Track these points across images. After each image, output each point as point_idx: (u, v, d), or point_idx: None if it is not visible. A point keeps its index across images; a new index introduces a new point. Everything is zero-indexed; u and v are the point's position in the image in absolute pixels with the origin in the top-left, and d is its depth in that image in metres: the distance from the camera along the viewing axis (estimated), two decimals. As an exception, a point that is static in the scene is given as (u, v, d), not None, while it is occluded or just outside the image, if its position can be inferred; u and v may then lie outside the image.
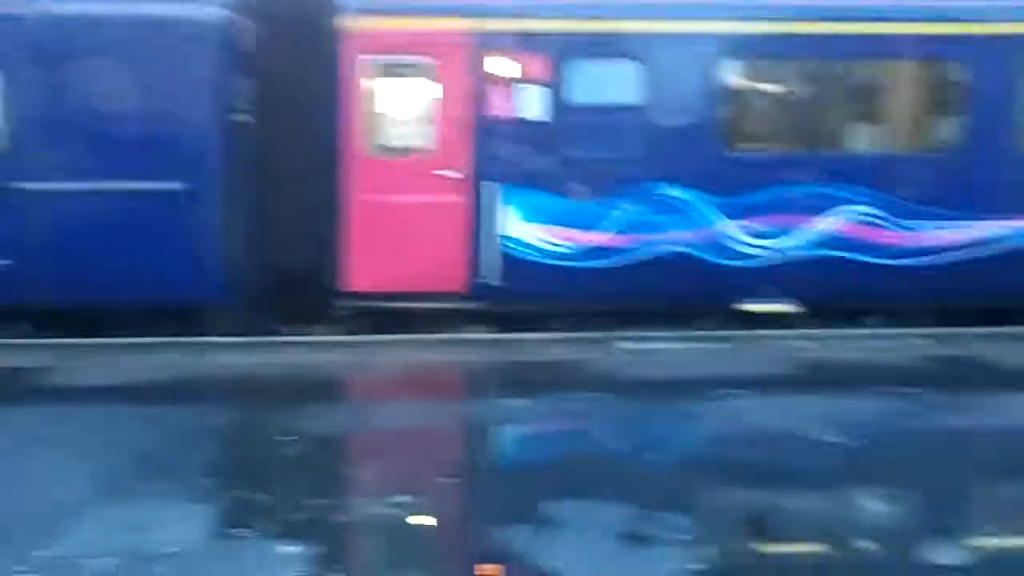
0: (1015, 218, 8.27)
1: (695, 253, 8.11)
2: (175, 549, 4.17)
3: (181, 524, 4.43)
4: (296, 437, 5.58)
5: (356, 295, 8.07)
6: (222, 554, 4.19)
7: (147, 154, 7.67)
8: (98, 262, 7.62)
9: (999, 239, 8.27)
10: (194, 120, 7.74)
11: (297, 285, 8.10)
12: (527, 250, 8.07)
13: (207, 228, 7.74)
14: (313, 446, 5.55)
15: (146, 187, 7.64)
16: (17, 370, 7.05)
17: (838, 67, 8.42)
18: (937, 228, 8.23)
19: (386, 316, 8.07)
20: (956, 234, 8.24)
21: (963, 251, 8.24)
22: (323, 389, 6.77)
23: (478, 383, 7.21)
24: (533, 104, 8.03)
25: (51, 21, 7.59)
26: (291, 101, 8.17)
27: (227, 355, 7.41)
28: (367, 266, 8.00)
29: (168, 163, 7.68)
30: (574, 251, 8.08)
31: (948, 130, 8.37)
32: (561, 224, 8.06)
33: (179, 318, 7.85)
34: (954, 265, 8.24)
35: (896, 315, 8.39)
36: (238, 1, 7.82)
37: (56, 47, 7.57)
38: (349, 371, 7.33)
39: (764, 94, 8.64)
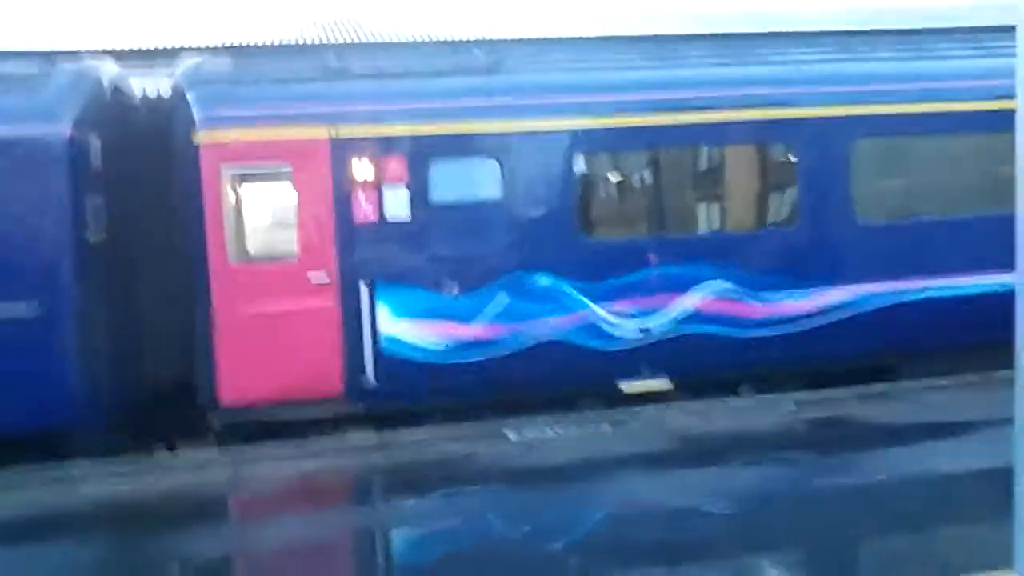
0: (855, 284, 8.85)
1: (569, 339, 8.27)
2: None
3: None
4: (180, 561, 5.26)
5: (229, 408, 7.77)
6: None
7: None
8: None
9: (843, 305, 8.82)
10: (44, 242, 7.39)
11: (167, 403, 7.76)
12: (402, 348, 8.02)
13: (65, 349, 7.35)
14: (198, 571, 5.24)
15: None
16: None
17: (683, 154, 8.93)
18: (788, 298, 8.71)
19: (262, 428, 7.80)
20: (806, 302, 8.75)
21: (814, 318, 8.75)
22: (204, 509, 6.41)
23: (365, 488, 7.03)
24: (395, 204, 8.10)
25: None
26: (150, 215, 7.98)
27: (98, 482, 6.92)
28: (238, 378, 7.73)
29: (20, 286, 7.29)
30: (450, 346, 8.09)
31: (789, 206, 8.96)
32: (434, 320, 8.07)
33: (44, 446, 7.33)
34: (808, 332, 8.72)
35: (766, 382, 8.77)
36: (86, 118, 7.61)
37: None
38: (229, 488, 6.98)
39: (617, 183, 9.04)
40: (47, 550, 5.73)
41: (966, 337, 8.67)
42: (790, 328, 8.67)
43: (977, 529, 5.18)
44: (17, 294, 7.26)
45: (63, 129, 7.45)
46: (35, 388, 7.28)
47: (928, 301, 8.85)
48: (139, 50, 9.53)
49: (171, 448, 8.01)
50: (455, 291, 8.09)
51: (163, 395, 7.80)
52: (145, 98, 8.58)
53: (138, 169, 8.02)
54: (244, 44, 9.65)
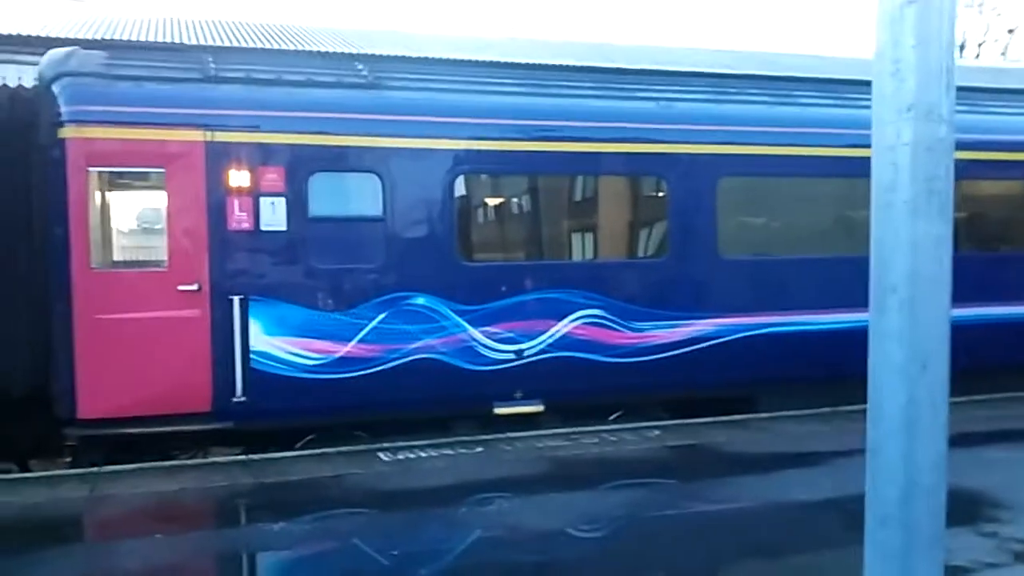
0: (717, 316, 9.25)
1: (445, 359, 8.29)
2: None
3: None
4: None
5: (87, 422, 7.40)
6: None
7: None
8: None
9: (706, 335, 9.19)
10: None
11: (23, 415, 7.31)
12: (274, 364, 7.85)
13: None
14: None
15: None
16: None
17: (561, 183, 9.14)
18: (656, 328, 9.00)
19: (123, 444, 7.46)
20: (673, 332, 9.07)
21: (679, 347, 9.07)
22: (56, 531, 6.07)
23: (229, 509, 6.80)
24: (272, 215, 7.93)
25: None
26: (8, 214, 7.53)
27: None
28: (98, 390, 7.39)
29: None
30: (323, 362, 7.97)
31: (659, 238, 9.29)
32: (308, 336, 7.94)
33: None
34: (672, 361, 9.03)
35: (636, 409, 9.02)
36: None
37: None
38: (84, 508, 6.63)
39: (496, 207, 9.16)
40: None
41: (822, 370, 9.19)
42: (657, 356, 8.97)
43: (828, 555, 5.49)
44: None
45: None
46: None
47: (786, 335, 9.34)
48: (3, 35, 8.98)
49: (22, 465, 7.58)
50: (332, 307, 7.99)
51: (14, 407, 7.34)
52: (8, 88, 8.11)
53: (3, 166, 7.58)
54: (119, 39, 9.25)
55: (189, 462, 7.47)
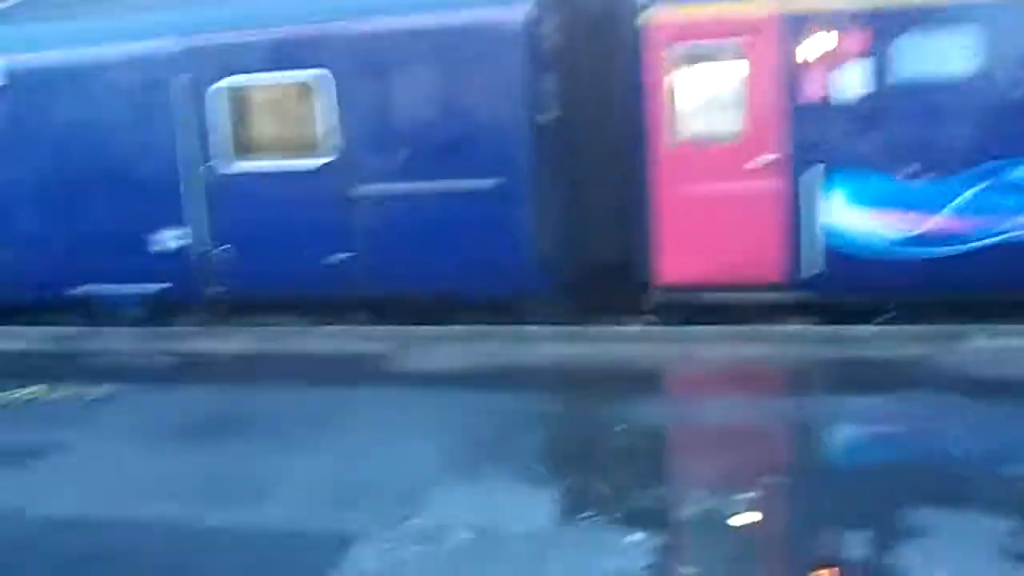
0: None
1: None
2: (524, 529, 4.19)
3: (525, 506, 4.46)
4: (624, 426, 5.49)
5: (668, 287, 7.90)
6: (571, 538, 4.14)
7: (462, 155, 7.97)
8: (423, 257, 8.07)
9: None
10: (504, 121, 7.92)
11: (608, 277, 8.07)
12: (853, 237, 7.49)
13: (520, 223, 7.90)
14: (640, 437, 5.42)
15: (463, 186, 7.94)
16: (357, 355, 7.58)
17: None
18: None
19: (699, 309, 7.83)
20: None
21: None
22: (643, 380, 6.62)
23: (807, 380, 6.75)
24: (853, 82, 7.45)
25: (373, 36, 8.09)
26: (595, 95, 8.16)
27: (544, 344, 7.51)
28: (678, 258, 7.80)
29: (482, 163, 7.92)
30: (907, 238, 7.40)
31: None
32: (891, 208, 7.41)
33: (497, 308, 8.08)
34: None
35: None
36: (541, 1, 7.90)
37: (379, 61, 8.08)
38: (667, 363, 7.13)
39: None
40: (502, 399, 6.29)
41: None
42: None
43: None
44: (480, 169, 7.89)
45: (519, 14, 7.82)
46: (493, 256, 7.95)
47: None
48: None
49: (605, 318, 8.36)
50: (920, 177, 7.32)
51: (605, 271, 8.09)
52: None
53: (590, 49, 8.21)
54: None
55: (765, 331, 7.54)
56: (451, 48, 7.95)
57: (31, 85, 8.92)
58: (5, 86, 8.95)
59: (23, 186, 9.06)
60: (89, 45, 8.81)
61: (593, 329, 7.89)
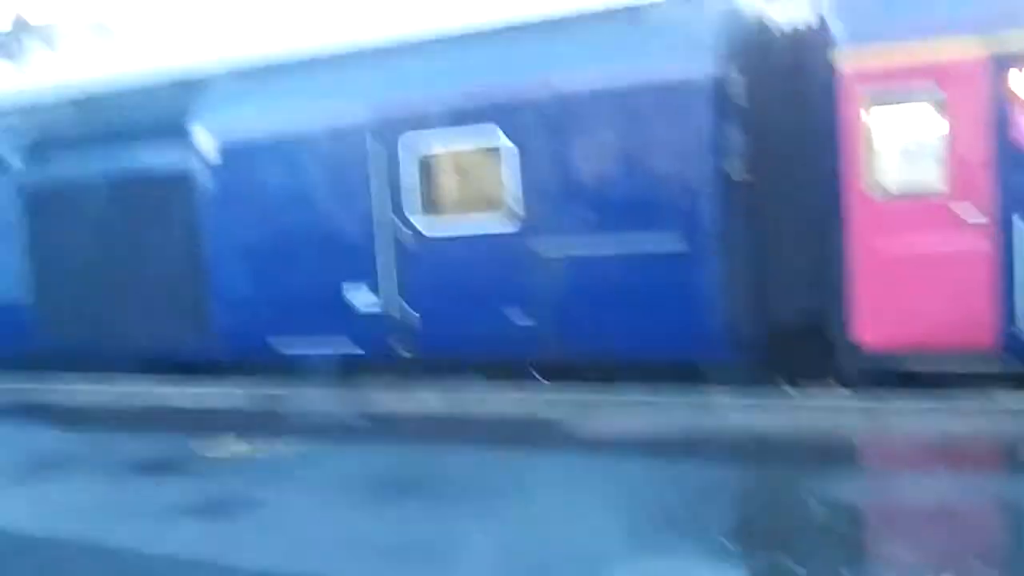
0: None
1: None
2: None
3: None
4: (820, 502, 5.16)
5: (865, 352, 7.42)
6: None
7: (648, 215, 7.87)
8: (606, 319, 7.96)
9: None
10: (691, 179, 7.74)
11: (801, 341, 7.68)
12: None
13: (706, 284, 7.67)
14: (838, 513, 5.08)
15: (648, 246, 7.82)
16: (540, 419, 7.58)
17: None
18: None
19: (896, 375, 7.31)
20: None
21: None
22: (838, 453, 6.26)
23: (1019, 458, 6.16)
24: (1069, 129, 6.82)
25: (559, 97, 8.15)
26: (787, 149, 7.87)
27: (730, 412, 7.24)
28: (877, 320, 7.29)
29: (668, 222, 7.78)
30: None
31: None
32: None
33: (682, 374, 7.86)
34: None
35: None
36: (729, 54, 7.75)
37: (564, 121, 8.12)
38: (864, 435, 6.70)
39: None
40: (688, 468, 6.07)
41: None
42: None
43: None
44: (661, 228, 7.76)
45: (706, 69, 7.67)
46: (680, 319, 7.74)
47: None
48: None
49: (796, 385, 7.96)
50: None
51: (798, 334, 7.70)
52: (785, 27, 8.45)
53: (777, 103, 7.97)
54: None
55: (973, 403, 6.92)
56: (637, 106, 7.86)
57: (237, 156, 9.59)
58: (217, 156, 9.67)
59: (230, 250, 9.71)
60: (288, 115, 9.40)
61: (783, 397, 7.52)
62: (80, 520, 5.87)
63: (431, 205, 8.76)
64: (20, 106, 13.29)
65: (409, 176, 8.75)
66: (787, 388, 7.69)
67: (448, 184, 8.90)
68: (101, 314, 10.54)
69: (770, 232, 7.88)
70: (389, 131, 8.80)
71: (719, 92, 7.69)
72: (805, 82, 7.79)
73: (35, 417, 9.41)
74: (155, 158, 10.08)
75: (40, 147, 11.08)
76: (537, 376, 8.53)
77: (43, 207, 10.89)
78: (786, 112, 7.90)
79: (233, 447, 7.30)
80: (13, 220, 11.07)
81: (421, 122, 8.67)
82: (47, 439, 8.32)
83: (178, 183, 9.86)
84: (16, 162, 11.13)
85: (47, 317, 10.96)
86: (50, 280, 10.92)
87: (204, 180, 9.74)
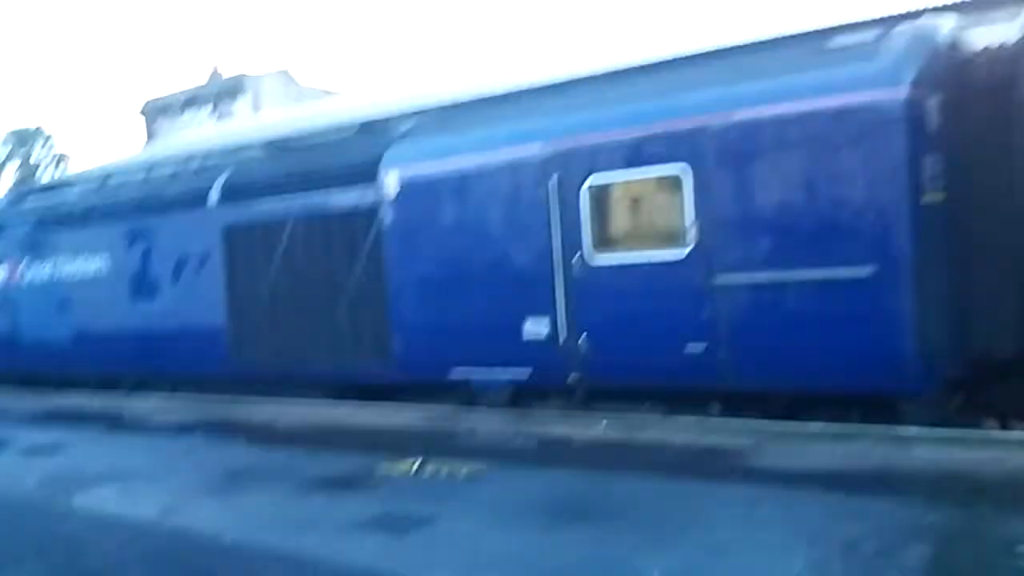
0: None
1: None
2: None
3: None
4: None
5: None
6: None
7: (833, 243, 7.55)
8: (789, 348, 7.70)
9: None
10: (883, 206, 7.35)
11: (1000, 374, 7.15)
12: None
13: (899, 313, 7.26)
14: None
15: (834, 275, 7.51)
16: (714, 449, 7.36)
17: None
18: None
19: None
20: None
21: None
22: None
23: None
24: None
25: (737, 127, 7.97)
26: (986, 172, 7.42)
27: (923, 447, 6.79)
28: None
29: (856, 250, 7.44)
30: None
31: None
32: None
33: (869, 407, 7.46)
34: None
35: None
36: (923, 78, 7.36)
37: (743, 150, 7.94)
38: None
39: None
40: (877, 506, 5.72)
41: None
42: None
43: None
44: (854, 257, 7.42)
45: (900, 92, 7.30)
46: (870, 350, 7.36)
47: None
48: (980, 1, 8.89)
49: (1001, 421, 7.40)
50: None
51: (1000, 366, 7.18)
52: (984, 50, 7.99)
53: (974, 124, 7.52)
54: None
55: None
56: (823, 133, 7.57)
57: (419, 193, 9.96)
58: (398, 193, 10.06)
59: (411, 280, 10.05)
60: (470, 154, 9.67)
61: (982, 432, 6.99)
62: (270, 530, 6.15)
63: (608, 236, 8.79)
64: (220, 150, 14.38)
65: (583, 209, 8.80)
66: (990, 423, 7.17)
67: (625, 215, 8.90)
68: (290, 340, 11.15)
69: (970, 259, 7.42)
70: (566, 166, 8.88)
71: (912, 116, 7.29)
72: (1004, 104, 7.33)
73: (229, 433, 9.98)
74: (342, 196, 10.63)
75: (237, 187, 11.91)
76: (715, 407, 8.35)
77: (239, 241, 11.68)
78: (985, 133, 7.47)
79: (412, 466, 7.48)
80: (213, 253, 11.93)
81: (596, 158, 8.73)
82: (239, 454, 8.78)
83: (363, 219, 10.36)
84: (217, 201, 12.00)
85: (241, 342, 11.70)
86: (244, 308, 11.67)
87: (388, 216, 10.17)
